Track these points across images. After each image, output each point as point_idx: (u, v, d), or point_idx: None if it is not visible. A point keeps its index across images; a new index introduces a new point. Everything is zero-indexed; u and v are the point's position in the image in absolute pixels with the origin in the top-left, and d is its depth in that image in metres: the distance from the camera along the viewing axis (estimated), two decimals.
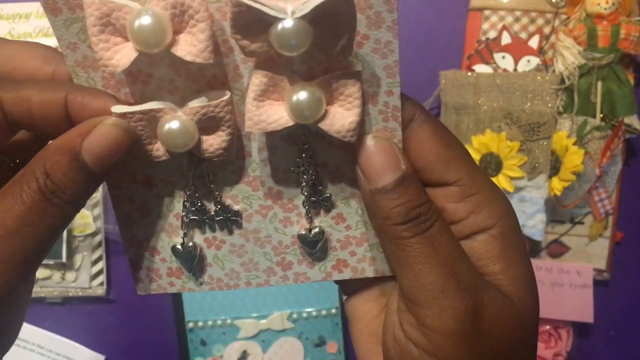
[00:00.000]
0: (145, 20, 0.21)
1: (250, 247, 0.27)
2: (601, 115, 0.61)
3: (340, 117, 0.23)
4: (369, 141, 0.23)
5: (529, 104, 0.60)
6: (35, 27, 0.63)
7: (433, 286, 0.22)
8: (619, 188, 0.64)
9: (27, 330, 0.65)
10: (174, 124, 0.23)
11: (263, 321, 0.63)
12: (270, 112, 0.22)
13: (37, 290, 0.64)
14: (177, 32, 0.22)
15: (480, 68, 0.62)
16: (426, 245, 0.22)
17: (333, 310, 0.63)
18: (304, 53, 0.21)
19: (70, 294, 0.64)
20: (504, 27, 0.62)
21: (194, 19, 0.21)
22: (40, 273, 0.64)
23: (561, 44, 0.61)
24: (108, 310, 0.66)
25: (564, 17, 0.62)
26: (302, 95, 0.22)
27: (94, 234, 0.64)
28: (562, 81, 0.60)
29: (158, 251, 0.27)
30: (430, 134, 0.24)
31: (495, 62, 0.62)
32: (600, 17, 0.60)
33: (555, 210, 0.63)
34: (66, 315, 0.66)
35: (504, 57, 0.62)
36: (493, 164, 0.60)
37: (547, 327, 0.64)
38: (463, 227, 0.24)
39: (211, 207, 0.26)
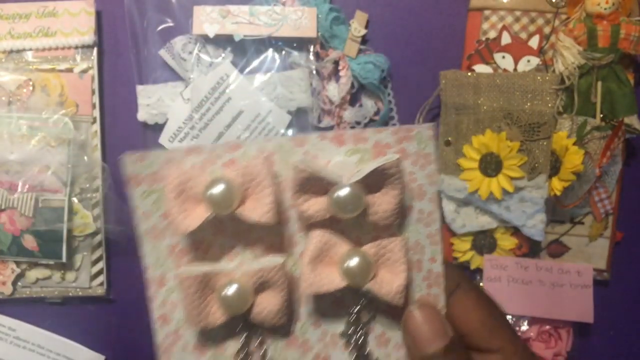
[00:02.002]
0: (219, 187, 0.24)
1: None
2: (601, 116, 0.61)
3: (389, 281, 0.24)
4: (416, 310, 0.25)
5: (529, 104, 0.60)
6: (35, 27, 0.64)
7: None
8: (619, 188, 0.64)
9: (27, 330, 0.65)
10: (231, 288, 0.25)
11: None
12: (323, 275, 0.24)
13: (37, 290, 0.64)
14: (244, 198, 0.25)
15: (480, 68, 0.63)
16: None
17: None
18: (354, 220, 0.24)
19: (70, 294, 0.64)
20: (504, 27, 0.62)
21: (260, 186, 0.24)
22: (41, 273, 0.64)
23: (561, 44, 0.61)
24: (108, 310, 0.66)
25: (564, 17, 0.62)
26: (354, 260, 0.24)
27: (94, 234, 0.64)
28: (562, 81, 0.60)
29: None
30: (475, 303, 0.26)
31: (495, 62, 0.63)
32: (600, 17, 0.60)
33: (555, 210, 0.64)
34: (66, 315, 0.66)
35: (504, 57, 0.62)
36: (493, 164, 0.60)
37: (547, 327, 0.64)
38: None
39: None
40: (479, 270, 0.64)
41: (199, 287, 0.25)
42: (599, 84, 0.61)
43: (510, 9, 0.62)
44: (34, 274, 0.64)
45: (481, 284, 0.64)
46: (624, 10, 0.60)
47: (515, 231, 0.63)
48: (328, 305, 0.26)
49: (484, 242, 0.64)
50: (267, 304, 0.25)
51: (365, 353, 0.26)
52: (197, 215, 0.24)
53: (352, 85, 0.64)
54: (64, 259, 0.62)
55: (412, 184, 0.26)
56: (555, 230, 0.65)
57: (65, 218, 0.61)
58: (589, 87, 0.61)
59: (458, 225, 0.63)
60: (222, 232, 0.26)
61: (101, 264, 0.65)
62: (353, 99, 0.65)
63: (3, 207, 0.61)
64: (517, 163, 0.59)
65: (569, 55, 0.60)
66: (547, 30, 0.62)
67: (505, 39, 0.62)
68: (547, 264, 0.63)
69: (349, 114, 0.65)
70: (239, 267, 0.25)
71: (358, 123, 0.65)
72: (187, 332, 0.27)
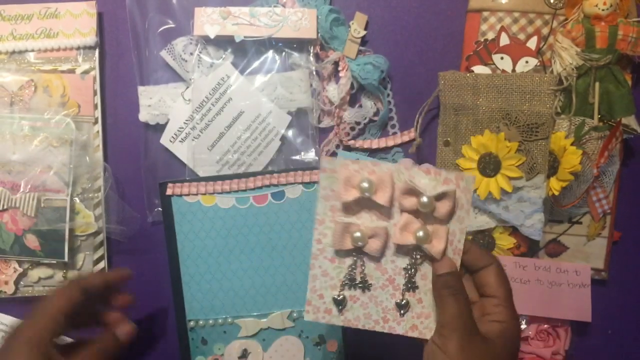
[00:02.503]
0: (365, 183, 0.45)
1: (371, 306, 0.48)
2: (599, 116, 0.61)
3: (436, 246, 0.46)
4: (442, 258, 0.46)
5: (527, 104, 0.60)
6: (37, 28, 0.64)
7: (455, 320, 0.43)
8: (617, 188, 0.64)
9: None
10: (357, 233, 0.46)
11: (263, 320, 0.63)
12: (404, 236, 0.46)
13: (40, 290, 0.65)
14: (376, 190, 0.46)
15: (479, 69, 0.63)
16: (453, 299, 0.44)
17: None
18: (427, 213, 0.46)
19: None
20: (503, 29, 0.63)
21: (385, 186, 0.46)
22: (43, 272, 0.64)
23: (559, 45, 0.61)
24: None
25: (562, 18, 0.62)
26: (421, 232, 0.45)
27: (95, 234, 0.64)
28: (560, 82, 0.60)
29: (324, 297, 0.48)
30: (496, 273, 0.46)
31: (493, 63, 0.63)
32: (598, 18, 0.60)
33: (554, 210, 0.64)
34: None
35: (502, 58, 0.63)
36: (492, 164, 0.60)
37: (546, 326, 0.64)
38: (491, 317, 0.45)
39: (358, 279, 0.47)
40: None
41: (342, 228, 0.46)
42: (597, 84, 0.61)
43: (508, 11, 0.63)
44: (36, 273, 0.64)
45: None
46: (621, 12, 0.61)
47: (514, 231, 0.64)
48: (403, 253, 0.47)
49: (482, 241, 0.64)
50: (373, 244, 0.46)
51: (413, 280, 0.47)
52: (352, 194, 0.46)
53: (352, 86, 0.64)
54: (66, 259, 0.62)
55: (458, 201, 0.46)
56: (553, 230, 0.65)
57: (67, 218, 0.62)
58: (587, 87, 0.61)
59: None
60: (362, 205, 0.47)
61: (103, 264, 0.65)
62: (353, 99, 0.66)
63: (5, 206, 0.62)
64: (515, 163, 0.60)
65: (567, 56, 0.61)
66: (545, 31, 0.63)
67: (504, 40, 0.63)
68: (546, 263, 0.63)
69: (348, 114, 0.65)
70: (364, 224, 0.46)
71: (357, 123, 0.66)
72: (329, 250, 0.47)
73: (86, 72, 0.64)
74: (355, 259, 0.47)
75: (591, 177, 0.62)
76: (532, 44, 0.63)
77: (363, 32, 0.64)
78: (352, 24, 0.64)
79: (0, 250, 0.62)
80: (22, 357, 0.42)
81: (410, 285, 0.47)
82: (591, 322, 0.63)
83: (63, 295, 0.48)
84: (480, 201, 0.62)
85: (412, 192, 0.45)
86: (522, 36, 0.63)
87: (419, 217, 0.46)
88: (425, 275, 0.47)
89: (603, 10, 0.59)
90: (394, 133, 0.67)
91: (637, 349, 0.68)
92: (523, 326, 0.65)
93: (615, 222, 0.65)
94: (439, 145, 0.63)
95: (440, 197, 0.45)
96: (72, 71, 0.64)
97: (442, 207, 0.45)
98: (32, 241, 0.62)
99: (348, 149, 0.66)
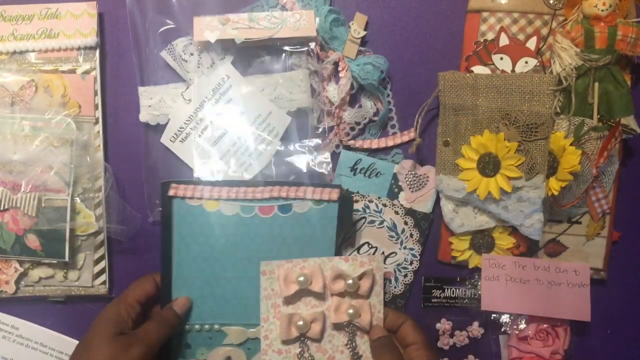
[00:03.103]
0: (302, 277, 0.56)
1: None
2: (598, 116, 0.61)
3: (364, 318, 0.57)
4: (373, 326, 0.58)
5: (526, 104, 0.60)
6: (38, 28, 0.64)
7: None
8: (616, 188, 0.64)
9: (30, 329, 0.65)
10: (300, 321, 0.57)
11: (251, 330, 0.61)
12: (339, 315, 0.58)
13: (40, 289, 0.65)
14: (310, 282, 0.57)
15: (479, 69, 0.63)
16: (389, 353, 0.55)
17: None
18: (353, 292, 0.58)
19: (73, 293, 0.65)
20: (502, 29, 0.63)
21: (317, 277, 0.57)
22: (43, 272, 0.64)
23: (559, 46, 0.62)
24: None
25: (561, 18, 0.63)
26: (351, 309, 0.57)
27: (96, 234, 0.64)
28: (560, 82, 0.60)
29: None
30: (412, 327, 0.57)
31: (493, 64, 0.63)
32: (597, 19, 0.60)
33: (553, 209, 0.64)
34: (69, 314, 0.66)
35: (502, 58, 0.63)
36: (491, 164, 0.61)
37: (545, 325, 0.64)
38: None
39: None
40: (477, 269, 0.65)
41: (287, 319, 0.56)
42: (596, 85, 0.61)
43: (508, 11, 0.63)
44: (36, 273, 0.64)
45: (479, 283, 0.65)
46: (620, 12, 0.61)
47: (513, 230, 0.64)
48: (337, 330, 0.58)
49: (482, 241, 0.64)
50: (315, 328, 0.56)
51: (356, 351, 0.58)
52: (292, 288, 0.56)
53: (352, 86, 0.65)
54: (66, 258, 0.62)
55: (374, 278, 0.58)
56: (552, 230, 0.65)
57: (68, 217, 0.62)
58: (586, 88, 0.61)
59: (456, 224, 0.64)
60: (299, 297, 0.57)
61: (103, 263, 0.65)
62: (352, 99, 0.66)
63: (6, 206, 0.62)
64: (515, 163, 0.60)
65: (566, 56, 0.61)
66: (544, 31, 0.63)
67: (503, 40, 0.63)
68: (545, 263, 0.64)
69: (348, 114, 0.65)
70: (304, 312, 0.57)
71: (357, 123, 0.66)
72: (275, 343, 0.57)
73: (87, 72, 0.65)
74: (300, 346, 0.57)
75: (590, 177, 0.62)
76: (531, 44, 0.63)
77: (363, 33, 0.64)
78: (352, 24, 0.64)
79: (1, 250, 0.63)
80: (102, 332, 0.53)
81: (357, 357, 0.58)
82: (590, 321, 0.63)
83: (138, 286, 0.58)
84: (480, 201, 0.62)
85: (340, 276, 0.57)
86: (521, 36, 0.63)
87: (345, 298, 0.57)
88: (360, 346, 0.58)
89: (602, 10, 0.60)
90: (394, 133, 0.67)
91: (636, 348, 0.68)
92: (522, 326, 0.65)
93: (614, 222, 0.65)
94: (438, 145, 0.63)
95: (361, 276, 0.57)
96: (72, 71, 0.64)
97: (364, 285, 0.57)
98: (32, 241, 0.62)
99: (348, 149, 0.66)
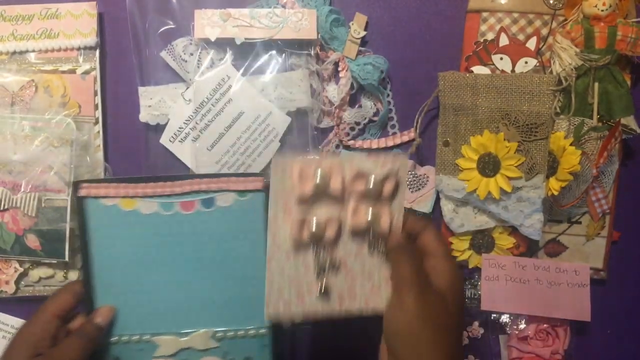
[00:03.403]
0: (319, 171, 0.47)
1: (353, 282, 0.50)
2: (598, 116, 0.61)
3: (384, 223, 0.48)
4: (392, 230, 0.49)
5: (526, 104, 0.60)
6: (38, 28, 0.64)
7: (406, 275, 0.45)
8: (616, 188, 0.65)
9: None
10: (314, 222, 0.48)
11: (184, 339, 0.56)
12: (358, 217, 0.49)
13: (40, 289, 0.65)
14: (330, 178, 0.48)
15: (479, 69, 0.63)
16: (406, 257, 0.47)
17: (262, 330, 0.57)
18: (375, 194, 0.48)
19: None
20: (502, 29, 0.63)
21: (336, 174, 0.47)
22: (43, 272, 0.64)
23: (558, 46, 0.62)
24: None
25: (561, 18, 0.63)
26: (371, 213, 0.48)
27: None
28: (560, 82, 0.61)
29: (284, 293, 0.48)
30: (433, 234, 0.49)
31: (493, 64, 0.63)
32: (597, 19, 0.60)
33: (553, 209, 0.64)
34: None
35: (502, 58, 0.63)
36: (491, 164, 0.61)
37: (545, 325, 0.64)
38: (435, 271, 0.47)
39: (326, 265, 0.49)
40: (477, 269, 0.65)
41: (298, 222, 0.47)
42: (596, 85, 0.61)
43: (508, 11, 0.63)
44: (36, 273, 0.64)
45: (479, 283, 0.65)
46: (620, 12, 0.61)
47: (513, 230, 0.64)
48: (357, 237, 0.49)
49: (482, 241, 0.64)
50: (330, 232, 0.48)
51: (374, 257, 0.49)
52: (309, 185, 0.46)
53: (352, 86, 0.65)
54: (66, 258, 0.62)
55: (398, 180, 0.49)
56: (552, 230, 0.65)
57: (68, 217, 0.62)
58: (586, 88, 0.61)
59: (456, 224, 0.64)
60: (314, 199, 0.47)
61: None
62: (352, 99, 0.66)
63: (6, 206, 0.62)
64: (514, 163, 0.60)
65: (566, 56, 0.61)
66: (544, 31, 0.63)
67: (503, 40, 0.63)
68: (545, 263, 0.64)
69: (348, 114, 0.65)
70: (318, 215, 0.47)
71: (357, 124, 0.66)
72: (285, 247, 0.48)
73: (87, 72, 0.65)
74: (313, 251, 0.49)
75: (590, 177, 0.62)
76: (531, 44, 0.63)
77: (363, 33, 0.64)
78: (352, 24, 0.64)
79: (1, 250, 0.63)
80: (16, 356, 0.50)
81: (374, 264, 0.50)
82: (590, 321, 0.63)
83: (56, 299, 0.54)
84: (480, 201, 0.62)
85: (361, 175, 0.48)
86: (521, 37, 0.63)
87: (365, 200, 0.49)
88: (378, 253, 0.49)
89: (602, 10, 0.60)
90: (394, 133, 0.67)
91: (636, 348, 0.68)
92: (522, 326, 0.65)
93: (614, 222, 0.65)
94: (438, 146, 0.63)
95: (385, 177, 0.48)
96: (72, 71, 0.64)
97: (387, 187, 0.48)
98: (32, 241, 0.62)
99: (348, 149, 0.66)
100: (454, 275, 0.47)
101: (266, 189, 0.52)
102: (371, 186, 0.48)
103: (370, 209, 0.48)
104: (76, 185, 0.55)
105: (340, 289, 0.49)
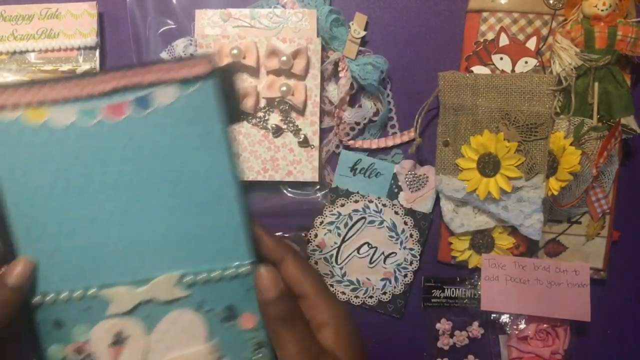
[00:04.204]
0: (235, 49, 0.49)
1: None
2: (598, 116, 0.61)
3: (297, 97, 0.48)
4: (262, 269, 0.39)
5: (526, 104, 0.60)
6: (38, 28, 0.64)
7: (294, 357, 0.37)
8: (616, 188, 0.65)
9: None
10: None
11: (142, 288, 0.42)
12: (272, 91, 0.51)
13: None
14: None
15: (479, 69, 0.63)
16: (291, 332, 0.37)
17: (243, 269, 0.41)
18: None
19: None
20: (502, 29, 0.63)
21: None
22: None
23: (558, 46, 0.62)
24: None
25: (561, 18, 0.63)
26: (284, 86, 0.48)
27: None
28: (560, 82, 0.61)
29: None
30: (294, 267, 0.39)
31: (493, 64, 0.63)
32: (597, 19, 0.60)
33: (553, 209, 0.64)
34: None
35: (502, 58, 0.63)
36: (491, 164, 0.61)
37: (545, 325, 0.64)
38: (313, 324, 0.39)
39: None
40: (477, 269, 0.65)
41: None
42: (596, 85, 0.61)
43: (508, 11, 0.63)
44: None
45: (479, 283, 0.65)
46: (620, 12, 0.61)
47: (513, 230, 0.64)
48: (270, 107, 0.52)
49: (482, 241, 0.64)
50: (249, 102, 0.60)
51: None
52: (225, 61, 0.49)
53: (352, 86, 0.65)
54: None
55: (310, 60, 0.59)
56: (552, 230, 0.65)
57: None
58: (586, 88, 0.61)
59: (456, 224, 0.64)
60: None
61: None
62: (352, 99, 0.66)
63: None
64: (514, 163, 0.60)
65: (566, 56, 0.61)
66: (544, 31, 0.63)
67: (503, 40, 0.63)
68: (545, 263, 0.64)
69: (348, 114, 0.65)
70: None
71: (357, 124, 0.66)
72: None
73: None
74: None
75: (590, 177, 0.62)
76: (531, 44, 0.63)
77: (363, 33, 0.64)
78: (352, 24, 0.64)
79: None
80: None
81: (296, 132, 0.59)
82: (590, 321, 0.63)
83: None
84: (480, 201, 0.62)
85: (274, 53, 0.58)
86: (521, 37, 0.63)
87: (280, 76, 0.58)
88: (294, 120, 0.54)
89: (602, 10, 0.60)
90: (394, 133, 0.67)
91: (636, 348, 0.68)
92: (522, 326, 0.65)
93: (614, 222, 0.65)
94: (438, 145, 0.64)
95: (295, 54, 0.58)
96: (72, 71, 0.64)
97: (299, 64, 0.58)
98: None
99: (348, 149, 0.66)
100: (338, 321, 0.39)
101: (215, 72, 0.39)
102: (283, 63, 0.55)
103: (285, 83, 0.55)
104: None
105: None
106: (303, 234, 0.65)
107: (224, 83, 0.40)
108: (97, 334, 0.42)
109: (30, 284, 0.41)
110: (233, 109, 0.40)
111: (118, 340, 0.43)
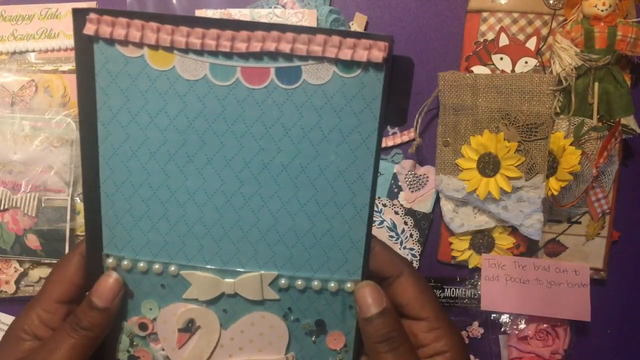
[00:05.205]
0: None
1: None
2: (598, 116, 0.61)
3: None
4: (363, 284, 0.35)
5: (526, 104, 0.60)
6: (38, 28, 0.64)
7: None
8: (616, 188, 0.65)
9: None
10: None
11: (229, 280, 0.37)
12: None
13: (40, 289, 0.65)
14: None
15: (478, 69, 0.63)
16: (392, 354, 0.33)
17: (348, 285, 0.36)
18: None
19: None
20: (502, 29, 0.63)
21: None
22: (43, 272, 0.64)
23: (558, 46, 0.62)
24: None
25: (561, 18, 0.63)
26: None
27: None
28: (560, 82, 0.61)
29: None
30: (413, 284, 0.36)
31: (493, 64, 0.63)
32: (597, 19, 0.60)
33: (553, 209, 0.64)
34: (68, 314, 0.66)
35: (501, 58, 0.63)
36: (491, 164, 0.61)
37: (545, 325, 0.64)
38: (428, 350, 0.35)
39: None
40: (477, 269, 0.65)
41: None
42: (596, 85, 0.61)
43: (508, 11, 0.63)
44: (36, 273, 0.64)
45: (479, 283, 0.65)
46: (620, 12, 0.61)
47: (513, 230, 0.64)
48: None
49: (482, 241, 0.64)
50: None
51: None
52: None
53: None
54: None
55: None
56: (552, 230, 0.65)
57: (68, 217, 0.62)
58: (586, 88, 0.61)
59: (456, 224, 0.64)
60: None
61: None
62: None
63: (6, 206, 0.62)
64: (514, 163, 0.60)
65: (566, 56, 0.61)
66: (544, 31, 0.63)
67: (503, 40, 0.63)
68: (545, 263, 0.64)
69: None
70: None
71: None
72: None
73: None
74: None
75: (590, 177, 0.62)
76: (531, 44, 0.63)
77: None
78: (352, 24, 0.64)
79: (1, 250, 0.63)
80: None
81: None
82: (590, 321, 0.63)
83: (54, 279, 0.39)
84: (480, 201, 0.62)
85: None
86: (521, 37, 0.63)
87: None
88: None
89: (602, 10, 0.60)
90: (394, 133, 0.67)
91: (636, 348, 0.68)
92: (522, 326, 0.65)
93: (614, 222, 0.65)
94: (438, 145, 0.63)
95: None
96: (72, 71, 0.64)
97: None
98: (32, 241, 0.62)
99: None
100: (455, 352, 0.35)
101: (390, 63, 0.32)
102: None
103: None
104: (79, 15, 0.33)
105: None
106: None
107: (395, 76, 0.31)
108: (167, 315, 0.38)
109: (120, 303, 0.37)
110: (396, 109, 0.32)
111: (188, 328, 0.38)
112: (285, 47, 0.32)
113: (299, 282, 0.37)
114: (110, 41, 0.33)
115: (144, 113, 0.35)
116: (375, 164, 0.33)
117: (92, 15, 0.32)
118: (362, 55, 0.31)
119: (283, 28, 0.32)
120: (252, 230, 0.37)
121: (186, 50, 0.33)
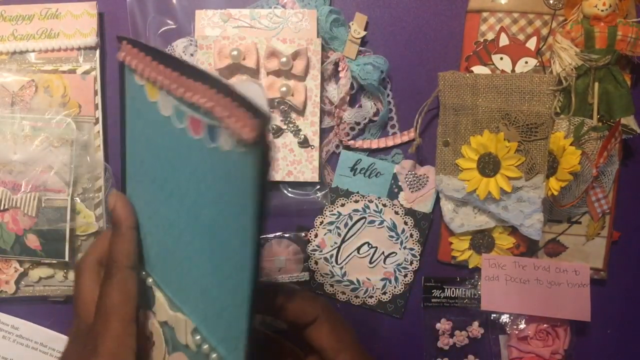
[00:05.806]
0: (235, 51, 0.52)
1: None
2: (598, 116, 0.61)
3: (297, 98, 0.50)
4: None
5: (526, 104, 0.60)
6: (38, 28, 0.64)
7: None
8: (616, 188, 0.65)
9: (30, 329, 0.65)
10: None
11: (171, 313, 0.38)
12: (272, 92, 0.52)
13: (40, 289, 0.65)
14: None
15: (479, 69, 0.63)
16: None
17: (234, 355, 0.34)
18: None
19: (73, 293, 0.65)
20: (502, 29, 0.63)
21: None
22: (43, 272, 0.64)
23: (559, 46, 0.62)
24: None
25: (561, 18, 0.63)
26: (284, 87, 0.50)
27: (96, 234, 0.64)
28: (560, 82, 0.61)
29: None
30: (328, 331, 0.35)
31: (493, 64, 0.63)
32: (597, 19, 0.60)
33: (553, 209, 0.64)
34: (69, 314, 0.66)
35: (502, 58, 0.63)
36: (491, 164, 0.61)
37: (545, 325, 0.64)
38: None
39: None
40: (477, 269, 0.65)
41: None
42: (596, 85, 0.61)
43: (508, 11, 0.63)
44: (36, 272, 0.64)
45: (479, 283, 0.65)
46: (620, 12, 0.61)
47: (513, 230, 0.64)
48: (271, 108, 0.49)
49: (482, 241, 0.64)
50: None
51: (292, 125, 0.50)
52: (225, 62, 0.52)
53: (352, 86, 0.65)
54: (66, 258, 0.62)
55: (310, 61, 0.57)
56: (552, 230, 0.65)
57: (68, 217, 0.62)
58: (586, 88, 0.61)
59: (456, 224, 0.64)
60: (233, 72, 0.52)
61: None
62: (352, 99, 0.66)
63: (6, 206, 0.62)
64: (514, 163, 0.60)
65: (566, 56, 0.61)
66: (544, 31, 0.63)
67: (503, 40, 0.63)
68: (545, 263, 0.64)
69: (348, 114, 0.65)
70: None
71: (357, 123, 0.66)
72: None
73: (87, 72, 0.65)
74: None
75: (590, 177, 0.62)
76: (531, 44, 0.63)
77: (363, 33, 0.64)
78: (352, 24, 0.64)
79: (1, 250, 0.63)
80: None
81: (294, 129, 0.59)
82: (590, 321, 0.63)
83: (95, 248, 0.41)
84: (480, 201, 0.62)
85: (274, 54, 0.59)
86: (521, 37, 0.63)
87: (280, 77, 0.60)
88: (294, 121, 0.59)
89: (602, 10, 0.60)
90: (394, 133, 0.67)
91: (636, 348, 0.68)
92: (522, 326, 0.65)
93: (614, 222, 0.65)
94: (438, 146, 0.64)
95: (295, 55, 0.59)
96: (73, 71, 0.64)
97: (298, 65, 0.59)
98: (32, 241, 0.62)
99: (348, 149, 0.66)
100: None
101: (260, 144, 0.28)
102: (282, 64, 0.54)
103: (284, 84, 0.56)
104: (119, 41, 0.39)
105: None
106: (303, 234, 0.65)
107: (264, 155, 0.29)
108: (143, 318, 0.40)
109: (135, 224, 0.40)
110: (266, 184, 0.29)
111: (150, 339, 0.40)
112: (205, 102, 0.30)
113: (206, 347, 0.35)
114: (130, 68, 0.38)
115: (143, 131, 0.39)
116: (253, 247, 0.30)
117: (123, 44, 0.38)
118: (244, 133, 0.28)
119: (214, 82, 0.30)
120: (185, 271, 0.36)
121: (161, 88, 0.35)
